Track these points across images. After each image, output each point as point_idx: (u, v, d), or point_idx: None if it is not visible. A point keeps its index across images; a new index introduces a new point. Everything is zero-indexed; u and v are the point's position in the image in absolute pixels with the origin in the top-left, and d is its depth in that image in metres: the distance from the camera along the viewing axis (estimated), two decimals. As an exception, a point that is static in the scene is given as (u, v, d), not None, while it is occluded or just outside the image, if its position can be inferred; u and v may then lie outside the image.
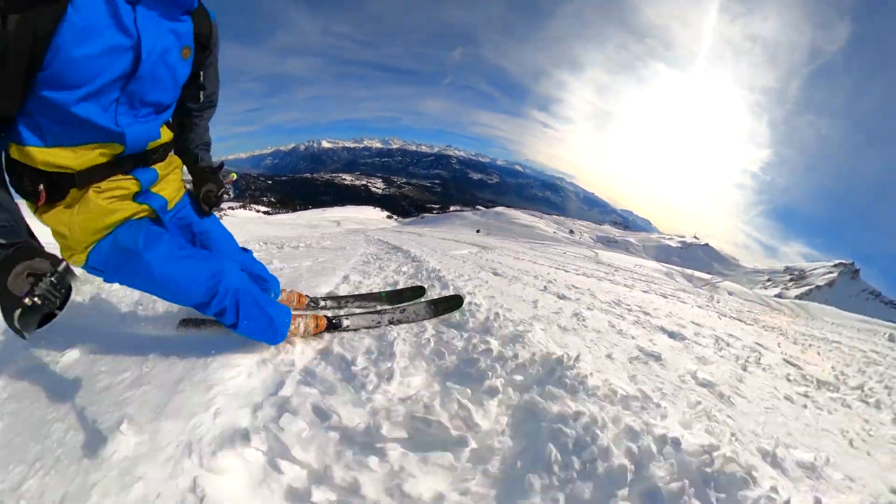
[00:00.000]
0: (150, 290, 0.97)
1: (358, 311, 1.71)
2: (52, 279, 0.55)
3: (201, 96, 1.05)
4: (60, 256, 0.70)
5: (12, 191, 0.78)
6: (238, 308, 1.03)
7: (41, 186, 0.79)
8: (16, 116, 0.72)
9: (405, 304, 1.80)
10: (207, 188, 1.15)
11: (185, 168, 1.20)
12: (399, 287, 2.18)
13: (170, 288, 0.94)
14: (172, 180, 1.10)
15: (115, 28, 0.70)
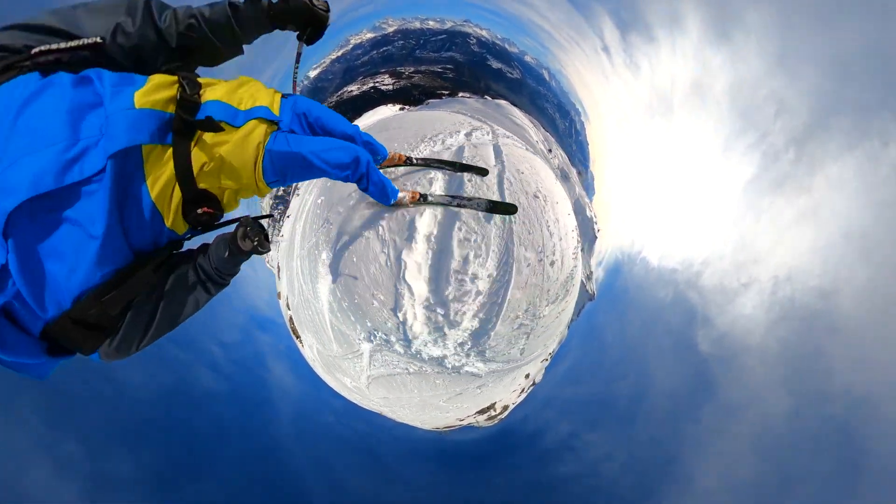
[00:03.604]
0: (311, 177, 1.19)
1: (441, 167, 2.59)
2: (256, 241, 0.85)
3: (134, 37, 0.77)
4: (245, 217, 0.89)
5: None
6: (368, 177, 1.38)
7: None
8: None
9: (471, 196, 2.50)
10: (314, 6, 0.98)
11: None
12: (469, 163, 2.71)
13: (326, 172, 1.17)
14: (259, 90, 1.00)
15: None
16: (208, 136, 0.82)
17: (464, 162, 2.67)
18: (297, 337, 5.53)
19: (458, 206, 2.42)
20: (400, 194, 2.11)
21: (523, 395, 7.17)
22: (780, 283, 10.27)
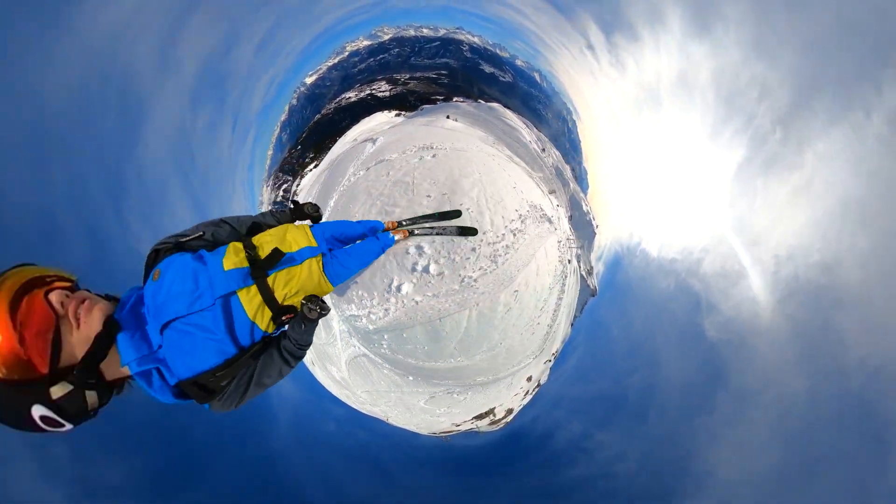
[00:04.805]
0: (352, 274, 1.91)
1: (423, 223, 3.18)
2: (318, 308, 1.33)
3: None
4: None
5: None
6: (385, 248, 2.34)
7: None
8: None
9: (445, 224, 3.18)
10: (309, 211, 1.76)
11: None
12: (446, 210, 3.41)
13: (362, 268, 1.99)
14: (297, 234, 1.56)
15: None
16: (282, 275, 1.35)
17: (440, 212, 3.39)
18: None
19: (438, 234, 3.14)
20: (396, 238, 2.90)
21: (528, 398, 6.86)
22: (781, 261, 10.25)
